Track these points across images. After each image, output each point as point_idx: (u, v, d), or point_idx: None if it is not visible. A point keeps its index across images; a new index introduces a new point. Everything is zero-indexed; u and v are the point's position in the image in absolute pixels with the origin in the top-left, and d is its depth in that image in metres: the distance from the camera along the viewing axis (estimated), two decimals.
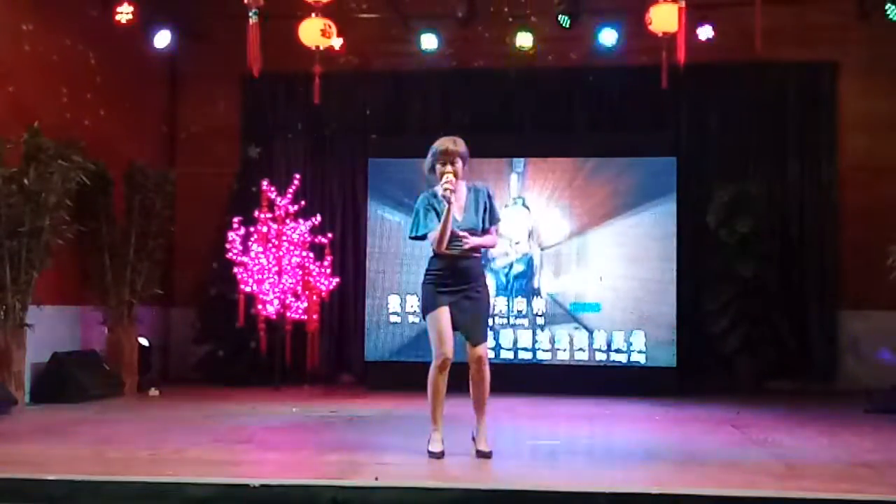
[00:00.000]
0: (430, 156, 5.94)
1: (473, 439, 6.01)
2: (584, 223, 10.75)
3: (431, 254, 5.99)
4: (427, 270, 6.00)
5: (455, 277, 5.90)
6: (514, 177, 10.85)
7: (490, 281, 9.77)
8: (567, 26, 10.55)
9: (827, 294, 11.08)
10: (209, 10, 10.92)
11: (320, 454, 6.29)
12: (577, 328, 10.66)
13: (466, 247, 5.86)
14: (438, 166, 5.88)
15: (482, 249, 6.07)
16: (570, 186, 10.81)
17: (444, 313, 5.86)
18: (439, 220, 5.83)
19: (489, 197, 6.03)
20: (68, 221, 8.88)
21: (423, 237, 5.96)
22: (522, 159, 10.88)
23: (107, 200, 9.95)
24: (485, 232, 5.99)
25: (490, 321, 9.81)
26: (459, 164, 5.87)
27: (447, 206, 5.76)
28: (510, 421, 7.85)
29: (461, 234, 5.86)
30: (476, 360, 5.90)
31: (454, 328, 5.91)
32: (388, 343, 10.93)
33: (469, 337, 5.93)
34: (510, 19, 10.91)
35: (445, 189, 5.77)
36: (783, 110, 11.33)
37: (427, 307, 5.95)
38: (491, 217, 6.01)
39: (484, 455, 5.88)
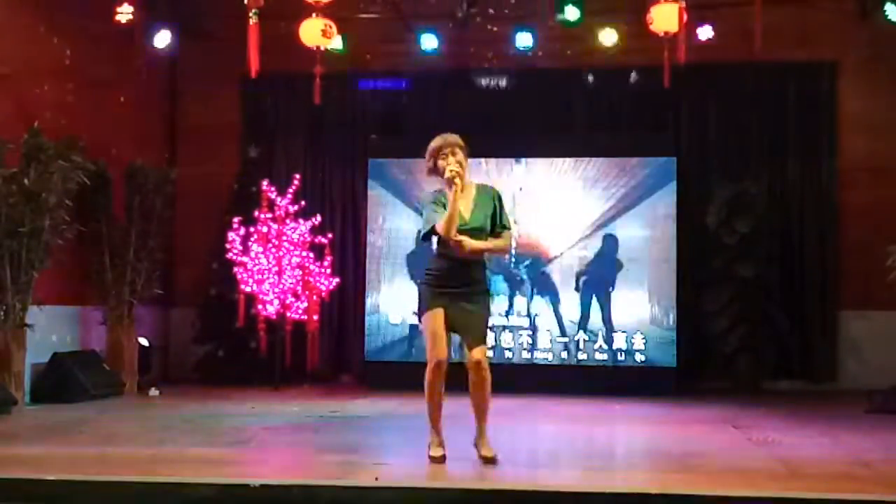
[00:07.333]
0: (428, 157, 5.75)
1: (475, 445, 5.77)
2: (583, 223, 10.74)
3: (434, 254, 5.79)
4: (426, 270, 5.81)
5: (454, 279, 5.67)
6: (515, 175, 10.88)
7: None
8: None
9: (827, 294, 11.08)
10: (209, 10, 10.92)
11: (320, 454, 6.29)
12: (577, 328, 10.67)
13: (468, 250, 5.61)
14: (440, 162, 5.69)
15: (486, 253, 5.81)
16: (570, 186, 10.80)
17: (438, 315, 5.65)
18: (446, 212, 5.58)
19: (499, 199, 5.81)
20: (68, 221, 8.88)
21: (431, 234, 5.70)
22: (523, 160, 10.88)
23: (107, 200, 9.95)
24: (493, 235, 5.77)
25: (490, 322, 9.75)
26: (461, 154, 5.69)
27: (454, 188, 5.53)
28: (510, 422, 7.84)
29: (458, 239, 5.60)
30: (474, 364, 5.64)
31: (451, 330, 5.72)
32: (388, 343, 10.93)
33: (465, 339, 5.70)
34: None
35: (451, 171, 5.57)
36: (783, 110, 11.33)
37: (422, 308, 5.77)
38: (501, 222, 5.77)
39: (489, 461, 5.65)
